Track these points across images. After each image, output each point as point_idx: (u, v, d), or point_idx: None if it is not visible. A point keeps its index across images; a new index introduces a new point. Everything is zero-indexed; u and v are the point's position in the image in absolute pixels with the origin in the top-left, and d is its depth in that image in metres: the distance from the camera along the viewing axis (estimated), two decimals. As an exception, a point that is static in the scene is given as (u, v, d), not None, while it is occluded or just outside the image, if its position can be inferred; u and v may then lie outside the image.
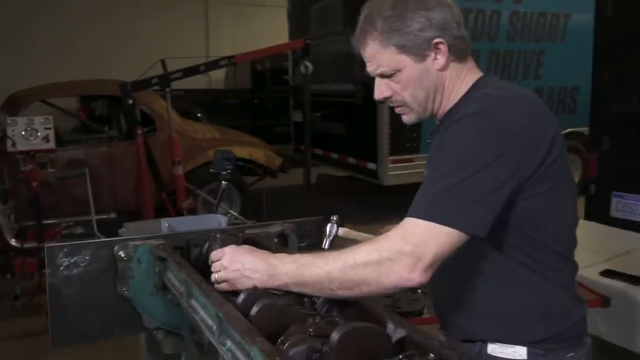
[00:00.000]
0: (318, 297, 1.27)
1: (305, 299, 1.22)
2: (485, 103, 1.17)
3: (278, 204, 7.03)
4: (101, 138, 6.40)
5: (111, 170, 5.23)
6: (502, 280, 1.23)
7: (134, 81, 4.69)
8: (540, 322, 1.22)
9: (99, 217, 4.61)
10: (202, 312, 1.22)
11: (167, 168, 4.98)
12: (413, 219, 1.11)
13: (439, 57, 1.25)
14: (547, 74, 6.66)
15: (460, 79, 1.29)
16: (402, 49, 1.23)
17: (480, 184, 1.09)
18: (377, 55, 1.26)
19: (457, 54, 1.27)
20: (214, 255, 1.28)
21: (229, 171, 2.11)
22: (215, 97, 9.94)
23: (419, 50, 1.23)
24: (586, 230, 2.68)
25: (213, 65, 4.91)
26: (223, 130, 6.37)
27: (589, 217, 3.47)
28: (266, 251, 1.27)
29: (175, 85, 5.28)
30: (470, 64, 1.31)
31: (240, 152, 6.08)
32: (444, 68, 1.26)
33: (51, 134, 3.71)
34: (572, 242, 1.27)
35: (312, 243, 1.84)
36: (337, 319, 1.21)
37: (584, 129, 6.24)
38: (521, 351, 1.23)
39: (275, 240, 1.71)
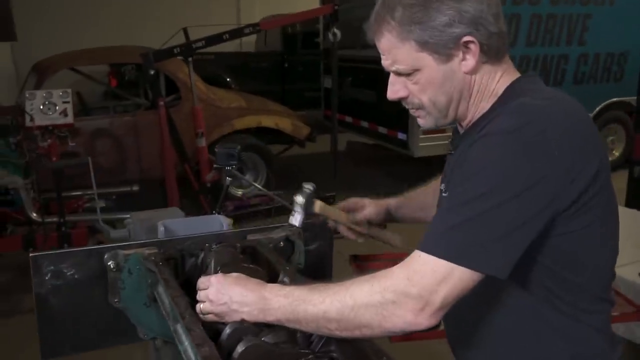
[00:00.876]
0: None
1: (299, 334, 1.09)
2: (521, 118, 0.96)
3: (305, 173, 6.95)
4: (128, 105, 6.35)
5: (136, 139, 5.17)
6: (526, 320, 1.07)
7: (156, 50, 4.56)
8: None
9: (121, 189, 4.59)
10: (185, 343, 1.11)
11: (192, 138, 4.90)
12: (422, 254, 0.95)
13: (467, 57, 1.05)
14: (593, 40, 6.22)
15: (492, 83, 1.09)
16: (424, 45, 1.04)
17: (507, 217, 0.92)
18: (394, 49, 1.07)
19: (491, 54, 1.06)
20: (200, 283, 1.16)
21: (233, 167, 1.97)
22: (245, 61, 9.73)
23: (444, 49, 1.03)
24: (627, 220, 2.47)
25: (237, 33, 4.74)
26: (249, 98, 6.22)
27: (631, 203, 3.23)
28: (258, 281, 1.12)
29: (205, 49, 5.14)
30: (507, 64, 1.11)
31: (267, 121, 5.96)
32: (473, 71, 1.07)
33: (69, 107, 3.63)
34: (611, 280, 1.09)
35: (320, 247, 1.71)
36: (334, 355, 1.08)
37: (630, 99, 5.89)
38: None
39: (282, 244, 1.59)
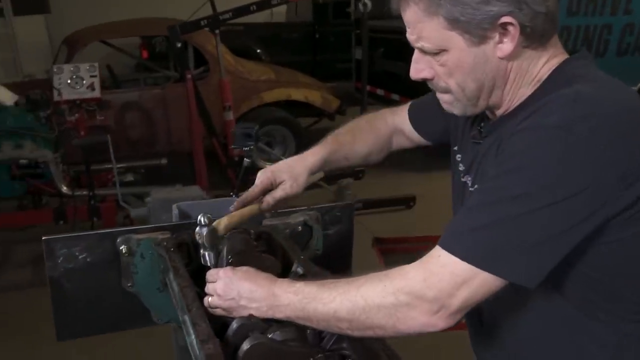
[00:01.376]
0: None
1: (309, 331, 1.04)
2: (575, 111, 0.83)
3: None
4: (158, 78, 6.34)
5: (165, 112, 5.17)
6: (558, 326, 0.98)
7: (182, 23, 4.51)
8: None
9: (150, 162, 4.60)
10: (192, 336, 1.07)
11: (221, 112, 4.87)
12: (443, 253, 0.87)
13: (505, 41, 0.91)
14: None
15: (534, 69, 0.96)
16: (454, 23, 0.91)
17: (544, 224, 0.82)
18: (420, 24, 0.94)
19: (535, 38, 0.92)
20: (208, 275, 1.12)
21: (251, 147, 1.91)
22: (275, 32, 9.60)
23: (477, 29, 0.90)
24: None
25: (265, 4, 4.63)
26: (278, 70, 6.14)
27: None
28: (268, 275, 1.07)
29: (236, 19, 5.05)
30: (554, 47, 0.96)
31: (296, 94, 5.88)
32: (510, 57, 0.93)
33: (96, 81, 3.63)
34: None
35: (340, 231, 1.65)
36: (346, 352, 1.03)
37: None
38: None
39: (300, 228, 1.54)
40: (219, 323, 1.09)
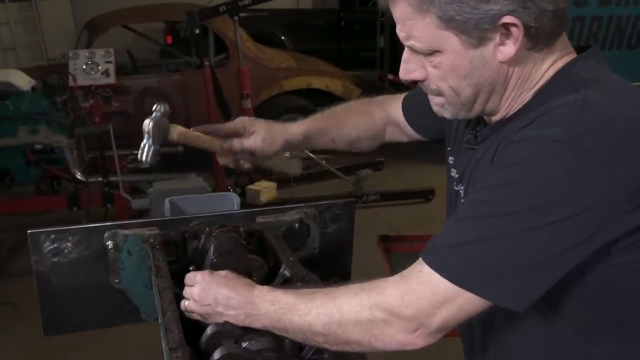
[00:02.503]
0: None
1: (287, 340, 0.98)
2: (582, 123, 0.75)
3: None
4: (180, 64, 6.32)
5: (184, 99, 5.15)
6: (556, 351, 0.90)
7: (200, 9, 4.45)
8: None
9: (167, 149, 4.58)
10: (163, 343, 1.02)
11: (240, 99, 4.81)
12: (425, 268, 0.80)
13: (507, 43, 0.82)
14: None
15: (538, 73, 0.87)
16: (448, 22, 0.81)
17: (541, 244, 0.75)
18: (409, 21, 0.85)
19: (540, 39, 0.83)
20: (186, 278, 1.07)
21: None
22: (300, 19, 9.49)
23: (475, 30, 0.81)
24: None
25: (285, -11, 4.55)
26: (300, 58, 6.06)
27: None
28: (248, 282, 1.02)
29: (260, 5, 4.97)
30: (561, 45, 0.87)
31: (317, 82, 5.80)
32: (512, 61, 0.84)
33: (111, 67, 3.61)
34: None
35: (340, 230, 1.58)
36: (327, 363, 0.97)
37: None
38: None
39: (297, 226, 1.47)
40: (197, 326, 1.04)
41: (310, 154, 4.75)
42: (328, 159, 4.99)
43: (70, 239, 1.36)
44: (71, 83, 3.59)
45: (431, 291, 0.79)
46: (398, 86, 6.52)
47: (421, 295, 0.79)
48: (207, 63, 4.44)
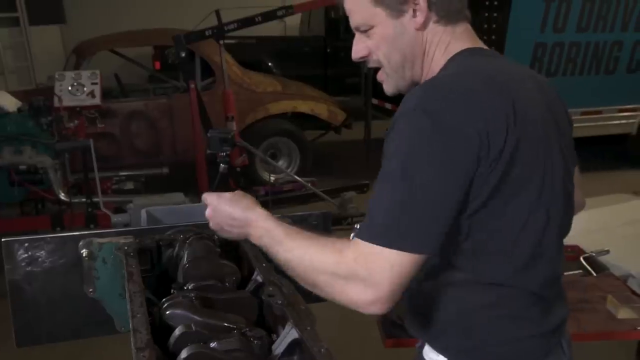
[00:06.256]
0: (276, 335, 1.05)
1: (255, 342, 1.00)
2: (425, 96, 0.97)
3: (339, 160, 6.83)
4: (167, 88, 6.36)
5: (170, 122, 5.18)
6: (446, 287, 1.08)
7: (187, 33, 4.52)
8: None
9: (151, 171, 4.60)
10: (132, 344, 1.03)
11: (225, 122, 4.85)
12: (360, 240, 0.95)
13: (417, 14, 1.06)
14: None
15: (442, 46, 1.09)
16: (377, 1, 1.06)
17: (423, 198, 0.93)
18: (354, 6, 1.10)
19: (442, 14, 1.07)
20: (203, 198, 1.22)
21: (227, 154, 1.87)
22: (286, 46, 9.62)
23: (395, 4, 1.06)
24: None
25: (270, 15, 4.63)
26: (285, 82, 6.13)
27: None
28: (248, 203, 1.15)
29: (248, 32, 5.05)
30: (462, 31, 1.10)
31: (303, 106, 5.86)
32: (422, 27, 1.07)
33: (97, 89, 3.64)
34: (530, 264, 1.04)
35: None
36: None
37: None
38: None
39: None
40: (169, 329, 1.05)
41: (296, 177, 4.78)
42: (313, 181, 5.02)
43: (44, 247, 1.37)
44: (57, 104, 3.61)
45: (371, 254, 0.92)
46: (385, 111, 6.61)
47: (367, 257, 0.92)
48: (192, 86, 4.49)
